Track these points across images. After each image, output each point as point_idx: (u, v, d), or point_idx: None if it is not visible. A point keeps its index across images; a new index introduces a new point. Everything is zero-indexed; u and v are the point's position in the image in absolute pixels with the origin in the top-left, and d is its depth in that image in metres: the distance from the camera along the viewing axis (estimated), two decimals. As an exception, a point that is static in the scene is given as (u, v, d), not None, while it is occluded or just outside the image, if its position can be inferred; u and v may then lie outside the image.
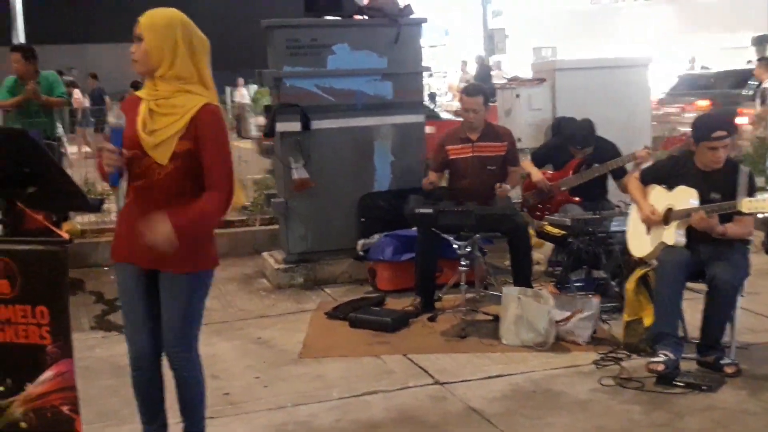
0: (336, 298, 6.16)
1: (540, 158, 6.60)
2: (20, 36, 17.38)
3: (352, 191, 6.65)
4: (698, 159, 4.61)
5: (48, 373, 2.66)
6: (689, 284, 4.59)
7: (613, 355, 4.68)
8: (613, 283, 5.64)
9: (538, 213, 6.42)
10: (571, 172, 6.36)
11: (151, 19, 3.10)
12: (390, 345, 5.07)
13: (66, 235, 2.77)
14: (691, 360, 4.50)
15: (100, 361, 4.92)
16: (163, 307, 3.19)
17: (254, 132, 15.48)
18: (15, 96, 7.50)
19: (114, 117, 3.02)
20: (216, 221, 3.16)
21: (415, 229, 5.93)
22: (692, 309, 4.73)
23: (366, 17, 6.79)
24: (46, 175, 2.85)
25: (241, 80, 22.97)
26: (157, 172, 3.06)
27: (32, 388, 2.66)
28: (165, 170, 3.05)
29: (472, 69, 21.09)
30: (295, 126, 6.43)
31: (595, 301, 5.06)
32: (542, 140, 7.27)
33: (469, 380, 4.47)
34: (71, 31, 30.92)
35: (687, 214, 4.48)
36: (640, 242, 4.79)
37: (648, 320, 4.61)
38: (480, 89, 6.17)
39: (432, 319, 5.45)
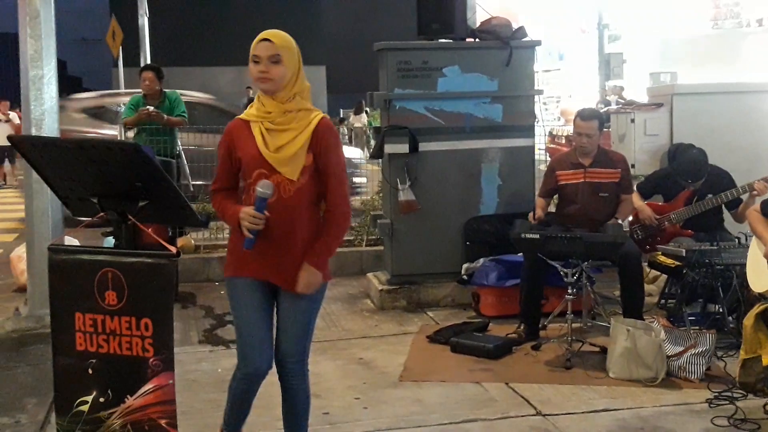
0: (438, 321, 6.10)
1: (647, 190, 6.36)
2: (147, 58, 18.16)
3: (458, 214, 6.59)
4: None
5: (148, 386, 2.69)
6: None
7: (728, 394, 4.44)
8: (730, 318, 5.37)
9: (648, 246, 6.17)
10: (682, 204, 6.09)
11: (284, 40, 3.17)
12: (492, 372, 4.97)
13: (174, 249, 2.81)
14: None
15: (206, 374, 5.01)
16: (284, 319, 3.24)
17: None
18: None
19: (263, 188, 3.07)
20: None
21: (520, 254, 5.82)
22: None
23: (478, 40, 6.76)
24: (157, 190, 2.90)
25: (362, 103, 23.09)
26: (288, 189, 3.14)
27: (132, 401, 2.70)
28: (296, 185, 3.14)
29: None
30: (404, 148, 6.43)
31: (711, 336, 4.83)
32: (657, 167, 7.02)
33: (573, 413, 4.32)
34: (192, 54, 32.17)
35: (813, 248, 4.22)
36: (760, 276, 4.54)
37: (767, 359, 4.35)
38: (595, 113, 6.00)
39: (536, 348, 5.32)
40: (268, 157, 3.12)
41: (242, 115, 3.25)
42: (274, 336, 3.29)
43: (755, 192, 5.72)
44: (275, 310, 3.30)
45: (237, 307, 3.27)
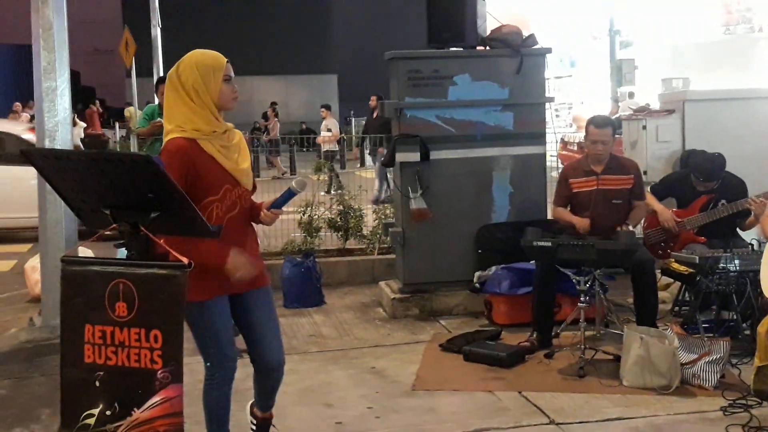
0: (451, 330, 6.09)
1: (661, 192, 6.33)
2: (160, 68, 18.25)
3: (469, 222, 6.58)
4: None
5: (156, 398, 2.66)
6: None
7: (743, 401, 4.40)
8: (744, 325, 5.33)
9: (660, 252, 6.14)
10: (697, 211, 6.07)
11: None
12: (505, 381, 4.96)
13: (185, 260, 2.81)
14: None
15: (218, 384, 5.00)
16: (263, 321, 3.49)
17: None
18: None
19: (298, 185, 3.37)
20: None
21: (533, 262, 5.80)
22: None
23: (488, 48, 6.76)
24: (168, 201, 2.90)
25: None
26: (245, 199, 3.41)
27: (139, 413, 2.67)
28: (248, 195, 3.40)
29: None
30: (415, 156, 6.44)
31: (725, 343, 4.79)
32: (669, 174, 6.98)
33: (587, 422, 4.31)
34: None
35: (827, 254, 4.19)
36: (774, 283, 4.49)
37: (782, 366, 4.32)
38: (608, 120, 5.98)
39: (549, 356, 5.30)
40: (237, 170, 3.31)
41: (187, 135, 3.27)
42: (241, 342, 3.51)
43: (754, 209, 5.66)
44: (239, 320, 3.50)
45: (216, 324, 3.36)
